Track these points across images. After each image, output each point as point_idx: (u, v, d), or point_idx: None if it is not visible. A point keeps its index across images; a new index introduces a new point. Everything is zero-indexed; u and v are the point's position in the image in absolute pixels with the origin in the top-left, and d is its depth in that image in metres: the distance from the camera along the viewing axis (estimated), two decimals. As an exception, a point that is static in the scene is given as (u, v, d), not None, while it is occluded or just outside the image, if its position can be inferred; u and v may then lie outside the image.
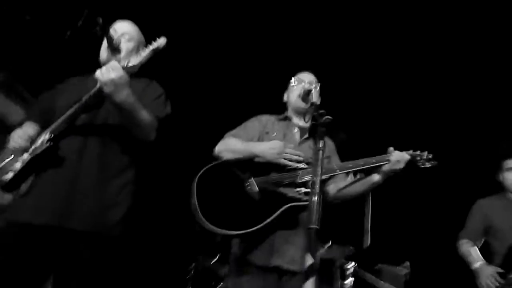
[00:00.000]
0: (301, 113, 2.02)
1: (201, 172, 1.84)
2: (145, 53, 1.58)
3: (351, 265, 3.66)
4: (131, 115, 1.61)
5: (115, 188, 1.70)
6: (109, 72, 1.50)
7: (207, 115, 4.16)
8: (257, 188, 1.74)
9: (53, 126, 1.65)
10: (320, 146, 1.27)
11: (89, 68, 1.80)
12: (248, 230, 1.62)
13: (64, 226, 1.57)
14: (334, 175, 1.83)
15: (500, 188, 2.74)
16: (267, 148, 1.79)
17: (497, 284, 2.35)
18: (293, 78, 2.13)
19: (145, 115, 1.66)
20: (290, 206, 1.66)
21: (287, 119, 2.08)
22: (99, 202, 1.64)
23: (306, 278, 1.07)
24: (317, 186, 1.19)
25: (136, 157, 1.83)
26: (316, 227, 1.14)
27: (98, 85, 1.59)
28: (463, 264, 3.00)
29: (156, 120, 1.75)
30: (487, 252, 2.62)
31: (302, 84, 2.04)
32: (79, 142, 1.69)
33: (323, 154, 1.26)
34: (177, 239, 4.79)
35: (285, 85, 2.21)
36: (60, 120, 1.65)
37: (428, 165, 1.83)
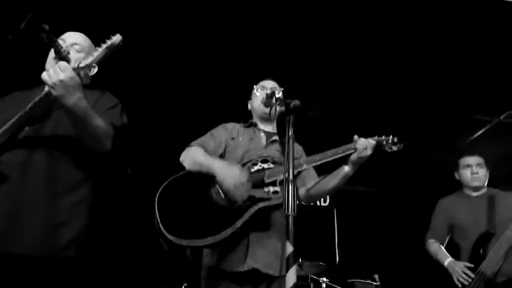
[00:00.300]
0: (266, 119, 2.05)
1: (162, 186, 1.73)
2: (98, 52, 1.42)
3: (323, 281, 3.60)
4: (83, 122, 1.45)
5: (67, 206, 1.52)
6: (57, 73, 1.35)
7: (173, 125, 4.03)
8: (222, 194, 1.65)
9: None
10: (290, 134, 1.22)
11: (33, 78, 1.65)
12: (216, 238, 1.52)
13: (6, 251, 1.37)
14: (301, 170, 1.78)
15: (458, 186, 2.84)
16: (230, 176, 1.61)
17: (469, 279, 2.37)
18: (255, 86, 2.14)
19: (99, 122, 1.50)
20: (259, 208, 1.58)
21: (253, 125, 2.08)
22: (46, 222, 1.45)
23: (287, 268, 0.99)
24: (291, 174, 1.14)
25: (93, 171, 1.66)
26: (294, 214, 1.08)
27: (45, 89, 1.44)
28: (429, 267, 3.04)
29: (112, 128, 1.61)
30: (454, 249, 2.65)
31: (264, 91, 2.04)
32: (22, 156, 1.50)
33: (293, 142, 1.22)
34: (141, 263, 4.46)
35: (249, 94, 2.20)
36: None
37: (395, 148, 1.80)
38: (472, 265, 2.41)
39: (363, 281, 4.18)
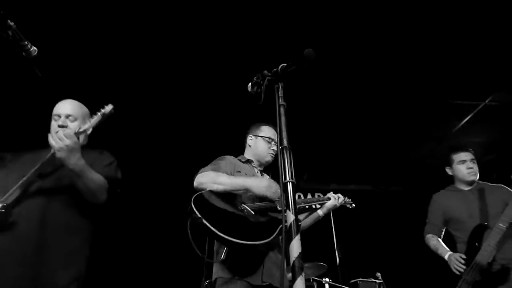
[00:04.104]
0: (265, 167, 2.26)
1: (193, 197, 1.76)
2: (93, 119, 1.70)
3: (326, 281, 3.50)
4: (81, 177, 1.68)
5: (67, 251, 1.70)
6: (63, 140, 1.62)
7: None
8: (252, 212, 1.82)
9: (6, 196, 1.65)
10: (280, 102, 1.17)
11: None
12: (261, 242, 1.65)
13: None
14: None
15: (448, 177, 2.92)
16: (263, 186, 1.87)
17: (464, 267, 2.49)
18: (263, 128, 2.27)
19: (95, 177, 1.74)
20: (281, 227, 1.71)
21: (249, 162, 2.22)
22: (34, 270, 1.61)
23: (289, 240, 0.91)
24: (285, 142, 1.08)
25: (91, 218, 1.86)
26: (293, 180, 1.03)
27: (51, 151, 1.67)
28: (427, 260, 3.03)
29: (106, 182, 1.81)
30: (451, 241, 2.76)
31: (272, 143, 2.21)
32: (31, 206, 1.68)
33: (284, 111, 1.18)
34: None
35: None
36: (14, 188, 1.66)
37: (349, 206, 2.49)
38: (465, 257, 2.53)
39: (366, 280, 4.11)
